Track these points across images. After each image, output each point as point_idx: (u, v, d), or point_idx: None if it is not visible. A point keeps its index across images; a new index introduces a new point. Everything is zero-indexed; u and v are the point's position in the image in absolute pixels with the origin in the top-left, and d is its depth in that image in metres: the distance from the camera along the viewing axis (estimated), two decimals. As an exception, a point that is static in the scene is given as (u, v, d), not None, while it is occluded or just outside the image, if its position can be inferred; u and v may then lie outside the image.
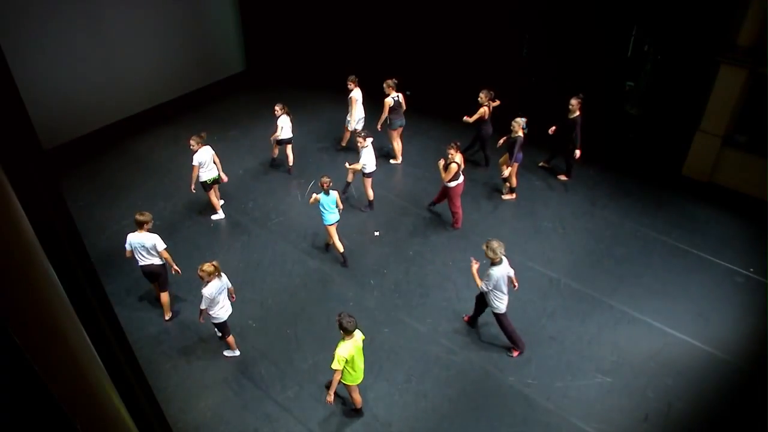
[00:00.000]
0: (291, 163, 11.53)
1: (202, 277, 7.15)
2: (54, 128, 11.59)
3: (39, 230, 2.15)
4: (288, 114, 11.01)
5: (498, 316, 7.70)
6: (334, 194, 8.87)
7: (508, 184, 10.80)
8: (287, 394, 7.42)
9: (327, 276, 9.22)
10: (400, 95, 11.33)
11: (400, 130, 11.64)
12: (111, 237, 9.96)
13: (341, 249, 9.24)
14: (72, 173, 11.48)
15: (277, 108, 10.87)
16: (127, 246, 7.94)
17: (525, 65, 13.33)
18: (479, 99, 10.98)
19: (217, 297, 7.28)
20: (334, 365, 6.33)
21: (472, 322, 8.35)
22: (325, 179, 8.73)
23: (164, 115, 13.58)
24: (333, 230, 9.11)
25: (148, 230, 7.92)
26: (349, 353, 6.37)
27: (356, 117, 11.65)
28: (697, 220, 10.31)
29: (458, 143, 9.70)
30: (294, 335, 8.23)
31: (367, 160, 9.97)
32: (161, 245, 7.91)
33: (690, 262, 9.39)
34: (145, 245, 7.89)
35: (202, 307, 7.25)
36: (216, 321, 7.50)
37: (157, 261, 8.04)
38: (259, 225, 10.29)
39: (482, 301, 7.81)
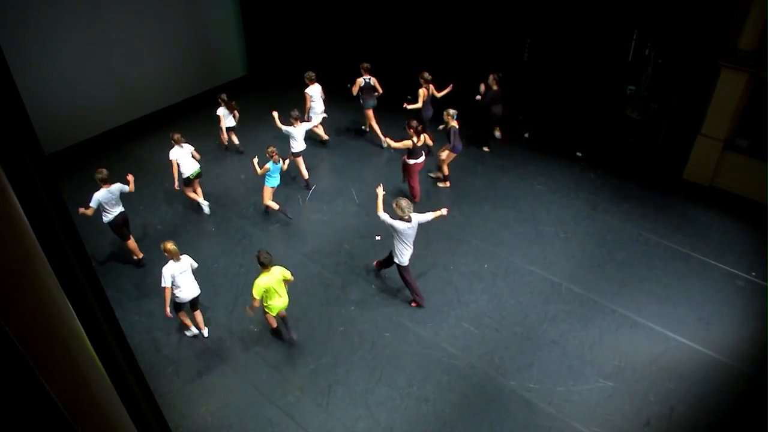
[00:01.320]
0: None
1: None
2: (56, 132, 11.61)
3: (40, 234, 2.15)
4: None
5: (400, 269, 8.35)
6: (281, 163, 10.01)
7: (440, 173, 11.34)
8: (288, 399, 7.41)
9: (328, 280, 9.21)
10: (373, 78, 12.19)
11: (372, 111, 12.53)
12: (112, 241, 9.97)
13: (276, 207, 10.24)
14: (73, 177, 11.48)
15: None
16: (93, 204, 8.61)
17: (526, 69, 13.36)
18: (420, 80, 11.67)
19: (177, 278, 7.64)
20: (254, 293, 7.34)
21: (378, 270, 9.13)
22: (271, 149, 9.86)
23: (166, 119, 13.60)
24: (270, 192, 10.20)
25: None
26: (265, 284, 7.34)
27: (316, 111, 12.33)
28: (698, 224, 10.30)
29: (418, 125, 10.14)
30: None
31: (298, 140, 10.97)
32: (125, 187, 8.84)
33: (691, 266, 9.38)
34: (114, 195, 8.75)
35: (162, 284, 7.62)
36: (177, 300, 7.87)
37: (121, 208, 8.94)
38: (261, 229, 10.30)
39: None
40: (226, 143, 12.55)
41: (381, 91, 12.34)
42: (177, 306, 8.01)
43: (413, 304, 8.67)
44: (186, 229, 10.32)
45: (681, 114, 11.61)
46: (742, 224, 10.24)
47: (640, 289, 8.97)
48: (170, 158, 10.07)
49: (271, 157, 9.86)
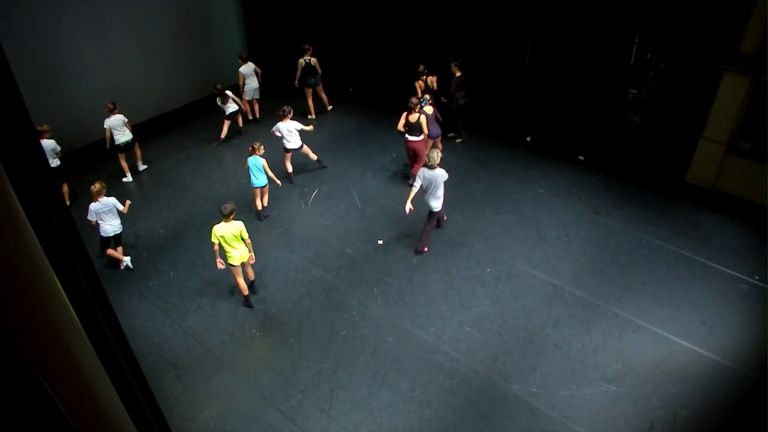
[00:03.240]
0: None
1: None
2: (59, 138, 11.62)
3: (42, 239, 2.15)
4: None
5: (431, 214, 9.51)
6: (262, 160, 10.22)
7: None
8: (291, 404, 7.40)
9: (330, 285, 9.21)
10: (314, 59, 13.35)
11: (311, 90, 13.68)
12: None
13: (258, 207, 10.69)
14: (76, 182, 11.52)
15: None
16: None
17: (528, 73, 13.36)
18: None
19: (101, 215, 8.92)
20: (211, 238, 8.29)
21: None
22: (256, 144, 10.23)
23: (168, 124, 13.63)
24: (256, 192, 10.58)
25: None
26: (220, 232, 8.18)
27: (249, 89, 13.45)
28: (701, 227, 10.28)
29: (418, 103, 10.86)
30: (297, 344, 8.21)
31: (289, 136, 11.26)
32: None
33: (694, 270, 9.36)
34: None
35: (89, 218, 8.90)
36: (101, 234, 9.12)
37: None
38: (263, 234, 10.30)
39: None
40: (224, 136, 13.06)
41: (320, 72, 13.52)
42: (103, 242, 9.18)
43: (424, 250, 9.72)
44: (188, 233, 10.33)
45: (683, 117, 11.60)
46: (745, 228, 10.22)
47: (642, 292, 8.95)
48: (105, 126, 11.16)
49: (252, 152, 10.13)
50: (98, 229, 9.13)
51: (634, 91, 12.41)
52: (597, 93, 12.48)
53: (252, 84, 13.49)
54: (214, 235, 8.24)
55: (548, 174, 11.76)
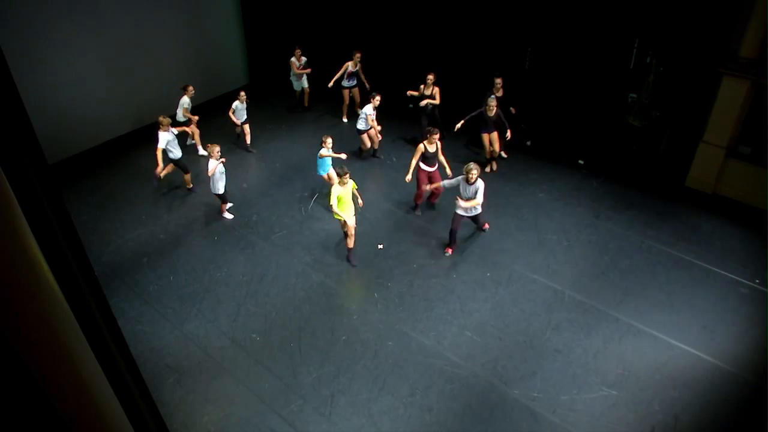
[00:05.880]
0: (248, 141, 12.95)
1: None
2: (59, 143, 11.66)
3: (43, 244, 2.16)
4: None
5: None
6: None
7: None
8: (291, 408, 7.39)
9: (331, 289, 9.21)
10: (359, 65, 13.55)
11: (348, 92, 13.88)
12: (114, 250, 9.99)
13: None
14: (76, 187, 11.53)
15: None
16: (162, 144, 10.39)
17: (528, 77, 13.38)
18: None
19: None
20: (330, 200, 9.17)
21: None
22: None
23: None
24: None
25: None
26: (338, 193, 9.07)
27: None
28: (701, 231, 10.28)
29: (436, 133, 10.36)
30: (298, 349, 8.20)
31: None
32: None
33: (695, 274, 9.36)
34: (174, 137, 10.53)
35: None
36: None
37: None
38: (263, 238, 10.30)
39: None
40: (239, 132, 13.16)
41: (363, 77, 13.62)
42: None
43: (448, 251, 9.80)
44: (189, 237, 10.33)
45: (683, 121, 11.62)
46: (745, 232, 10.22)
47: (643, 297, 8.95)
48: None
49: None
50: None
51: (634, 96, 12.43)
52: (597, 97, 12.50)
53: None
54: (332, 196, 9.05)
55: (548, 178, 11.77)
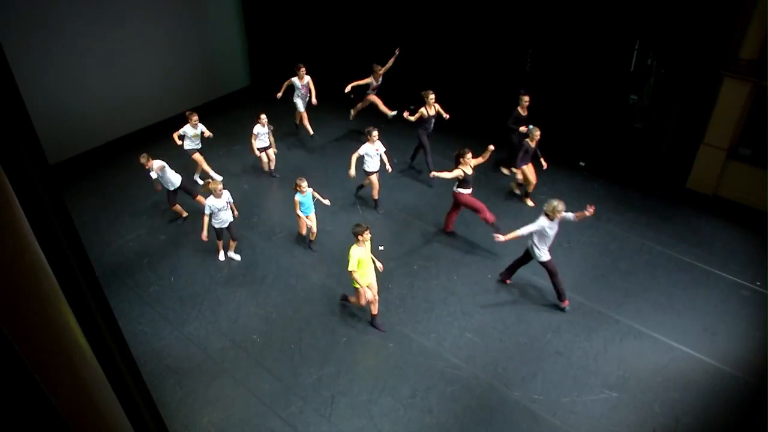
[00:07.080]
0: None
1: None
2: (60, 143, 11.67)
3: (44, 244, 2.16)
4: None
5: (547, 265, 8.60)
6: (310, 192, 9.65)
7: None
8: (291, 410, 7.38)
9: (331, 291, 9.20)
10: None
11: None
12: (115, 251, 10.00)
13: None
14: (77, 188, 11.54)
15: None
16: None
17: (528, 80, 13.39)
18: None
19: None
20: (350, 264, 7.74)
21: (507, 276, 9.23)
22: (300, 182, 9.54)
23: (170, 129, 13.61)
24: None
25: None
26: (358, 255, 7.70)
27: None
28: (702, 233, 10.28)
29: (468, 154, 9.63)
30: (298, 350, 8.20)
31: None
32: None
33: (696, 276, 9.35)
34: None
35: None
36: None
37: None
38: (264, 239, 10.31)
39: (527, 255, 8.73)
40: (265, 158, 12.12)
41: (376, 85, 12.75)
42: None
43: (564, 303, 8.75)
44: (189, 239, 10.33)
45: (684, 123, 11.62)
46: (746, 233, 10.22)
47: (644, 298, 8.94)
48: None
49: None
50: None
51: (635, 98, 12.42)
52: (598, 99, 12.50)
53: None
54: (353, 259, 7.67)
55: (549, 180, 11.75)
